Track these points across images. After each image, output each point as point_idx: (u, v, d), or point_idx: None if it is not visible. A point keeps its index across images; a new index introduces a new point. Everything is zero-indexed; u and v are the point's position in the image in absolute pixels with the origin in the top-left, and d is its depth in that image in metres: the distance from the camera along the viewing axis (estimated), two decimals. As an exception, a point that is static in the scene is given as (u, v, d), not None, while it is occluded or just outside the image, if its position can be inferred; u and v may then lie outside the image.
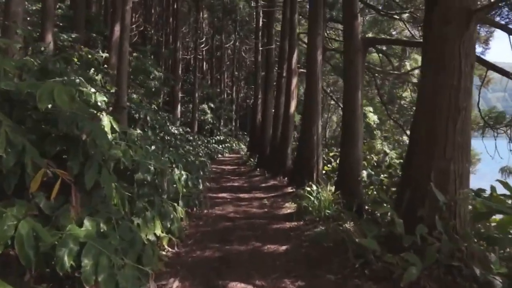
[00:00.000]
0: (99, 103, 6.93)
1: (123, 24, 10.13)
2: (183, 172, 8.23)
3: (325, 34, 11.77)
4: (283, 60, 14.35)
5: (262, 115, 17.65)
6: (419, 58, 13.07)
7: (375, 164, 9.28)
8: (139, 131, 11.17)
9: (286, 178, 12.79)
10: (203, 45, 36.57)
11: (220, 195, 10.28)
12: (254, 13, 23.26)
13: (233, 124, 41.83)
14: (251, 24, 31.74)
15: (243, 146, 35.71)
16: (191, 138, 23.94)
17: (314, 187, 8.18)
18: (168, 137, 14.88)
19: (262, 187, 11.69)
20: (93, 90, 7.01)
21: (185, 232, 5.96)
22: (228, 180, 13.67)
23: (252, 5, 23.59)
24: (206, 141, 30.39)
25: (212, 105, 35.27)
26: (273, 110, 15.57)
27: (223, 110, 37.92)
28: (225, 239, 5.68)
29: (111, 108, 9.65)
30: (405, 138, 14.09)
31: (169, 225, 5.47)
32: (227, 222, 6.87)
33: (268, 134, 16.44)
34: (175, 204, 5.99)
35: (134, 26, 29.08)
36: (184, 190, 7.07)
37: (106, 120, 5.73)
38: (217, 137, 33.65)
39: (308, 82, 10.10)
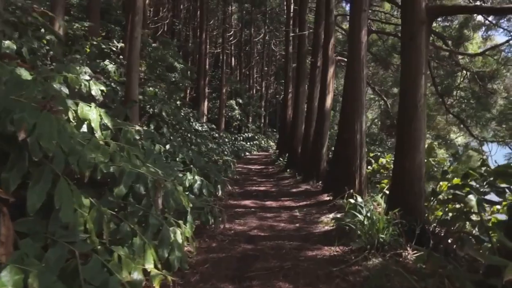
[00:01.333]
0: (93, 93, 5.53)
1: (134, 7, 8.72)
2: (196, 177, 6.78)
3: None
4: (318, 48, 12.65)
5: (293, 110, 16.00)
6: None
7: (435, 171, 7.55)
8: (150, 127, 9.81)
9: (320, 182, 11.13)
10: (231, 39, 35.20)
11: (243, 202, 8.76)
12: (285, 0, 21.55)
13: (262, 120, 40.32)
14: (281, 15, 30.10)
15: (272, 144, 34.16)
16: (216, 135, 22.67)
17: (359, 199, 6.51)
18: (189, 135, 13.52)
19: (292, 193, 10.08)
20: (87, 77, 5.66)
21: (190, 260, 4.47)
22: (253, 183, 12.15)
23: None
24: (233, 138, 29.13)
25: (240, 101, 33.91)
26: (306, 105, 13.91)
27: (251, 106, 36.48)
28: (242, 274, 4.14)
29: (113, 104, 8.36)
30: (461, 138, 12.16)
31: (167, 255, 4.01)
32: (248, 245, 5.32)
33: (299, 131, 14.78)
34: (180, 222, 4.52)
35: (158, 19, 28.10)
36: (193, 202, 5.60)
37: (94, 114, 4.38)
38: (245, 134, 32.29)
39: (350, 69, 8.40)
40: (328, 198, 8.77)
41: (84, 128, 4.29)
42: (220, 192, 7.89)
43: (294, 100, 16.14)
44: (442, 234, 4.85)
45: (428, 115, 13.81)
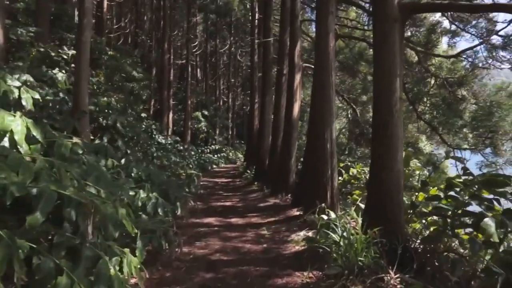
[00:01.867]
0: (24, 102, 4.71)
1: (82, 8, 7.89)
2: (151, 195, 6.02)
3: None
4: (284, 55, 12.18)
5: (260, 120, 15.44)
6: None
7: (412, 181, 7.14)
8: (104, 140, 8.90)
9: (289, 195, 10.53)
10: (196, 49, 34.50)
11: (206, 220, 8.01)
12: (249, 7, 21.11)
13: (230, 132, 39.61)
14: (247, 25, 29.79)
15: (240, 156, 33.47)
16: (181, 148, 21.77)
17: (333, 215, 5.94)
18: (150, 148, 12.64)
19: (260, 208, 9.42)
20: (17, 83, 4.85)
21: (136, 298, 3.70)
22: (219, 198, 11.40)
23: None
24: (199, 151, 28.28)
25: (206, 113, 33.11)
26: (272, 115, 13.38)
27: (218, 118, 35.74)
28: (199, 314, 3.42)
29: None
30: (428, 146, 11.96)
31: (102, 298, 3.24)
32: (208, 273, 4.59)
33: (266, 142, 14.21)
34: (126, 251, 3.77)
35: (119, 29, 27.06)
36: (144, 224, 4.86)
37: (19, 125, 3.60)
38: (212, 146, 31.46)
39: (318, 75, 7.89)
40: (298, 213, 8.16)
41: (6, 142, 3.54)
42: (179, 211, 7.10)
43: (260, 110, 15.60)
44: (428, 254, 4.31)
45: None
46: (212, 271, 4.66)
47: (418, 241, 4.77)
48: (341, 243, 4.21)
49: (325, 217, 5.96)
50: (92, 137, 9.02)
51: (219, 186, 14.74)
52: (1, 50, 8.55)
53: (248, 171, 16.42)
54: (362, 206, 7.77)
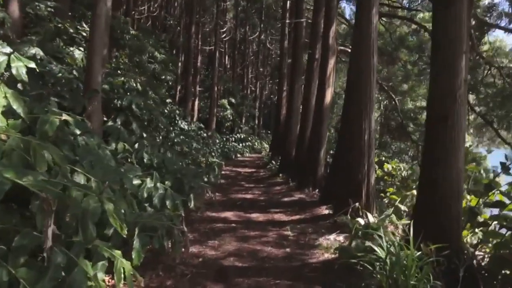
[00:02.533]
0: (14, 71, 4.53)
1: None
2: (159, 185, 5.27)
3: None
4: (317, 38, 11.14)
5: (287, 109, 14.47)
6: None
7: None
8: (117, 123, 8.21)
9: (317, 191, 9.62)
10: (224, 35, 33.63)
11: (223, 214, 7.22)
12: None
13: (256, 121, 38.74)
14: (277, 11, 28.63)
15: (266, 146, 32.60)
16: (205, 135, 21.12)
17: (371, 218, 5.02)
18: (169, 133, 11.96)
19: (284, 203, 8.55)
20: (7, 50, 4.17)
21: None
22: (240, 189, 10.60)
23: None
24: (224, 139, 27.62)
25: (233, 101, 32.35)
26: (302, 104, 12.40)
27: (245, 106, 34.91)
28: None
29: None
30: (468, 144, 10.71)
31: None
32: (216, 284, 3.78)
33: (294, 132, 13.26)
34: (117, 253, 3.03)
35: (146, 11, 26.48)
36: (146, 220, 4.10)
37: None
38: (238, 135, 30.71)
39: (357, 56, 6.88)
40: (327, 212, 7.24)
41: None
42: (192, 203, 6.32)
43: (288, 98, 14.62)
44: (499, 277, 3.34)
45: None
46: (222, 281, 3.84)
47: (481, 258, 3.80)
48: (387, 260, 3.29)
49: (361, 221, 5.05)
50: (105, 119, 8.38)
51: (241, 176, 13.95)
52: (15, 23, 7.98)
53: (273, 162, 15.54)
54: (402, 208, 6.80)
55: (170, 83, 25.34)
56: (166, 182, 6.16)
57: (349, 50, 11.03)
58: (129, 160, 6.49)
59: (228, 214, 7.26)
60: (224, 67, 39.98)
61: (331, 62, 9.72)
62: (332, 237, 5.64)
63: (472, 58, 8.49)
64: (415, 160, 11.82)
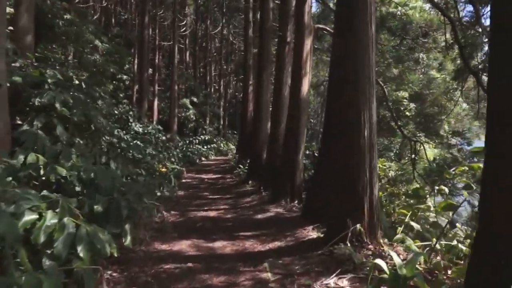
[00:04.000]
0: None
1: None
2: (66, 220, 3.32)
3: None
4: (287, 16, 9.37)
5: (255, 104, 12.59)
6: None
7: None
8: (35, 126, 6.04)
9: (296, 202, 7.83)
10: (184, 29, 31.38)
11: (177, 246, 5.26)
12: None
13: (221, 121, 36.67)
14: (240, 2, 26.73)
15: (232, 147, 30.66)
16: (163, 138, 18.95)
17: (396, 258, 3.25)
18: (112, 138, 9.81)
19: (257, 222, 6.68)
20: None
21: None
22: (202, 203, 8.65)
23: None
24: (187, 141, 25.51)
25: (195, 100, 30.17)
26: (272, 96, 10.60)
27: (208, 106, 32.80)
28: None
29: None
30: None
31: None
32: None
33: (263, 130, 11.43)
34: None
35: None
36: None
37: None
38: (202, 136, 28.58)
39: (348, 24, 5.09)
40: (315, 235, 5.44)
41: None
42: (128, 240, 4.35)
43: (255, 91, 12.75)
44: None
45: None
46: None
47: None
48: None
49: (381, 263, 3.25)
50: (19, 122, 6.29)
51: (205, 184, 11.98)
52: None
53: (241, 166, 13.65)
54: (415, 226, 5.10)
55: (127, 83, 23.06)
56: (96, 207, 4.24)
57: (329, 29, 9.34)
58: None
59: (184, 245, 5.31)
60: (185, 64, 37.63)
61: (308, 43, 7.95)
62: (332, 281, 3.83)
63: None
64: (401, 159, 10.27)
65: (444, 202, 4.62)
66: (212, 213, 7.50)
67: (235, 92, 45.06)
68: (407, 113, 9.48)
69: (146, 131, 16.95)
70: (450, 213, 4.54)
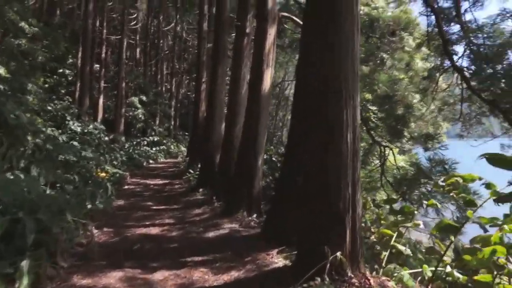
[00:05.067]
0: None
1: None
2: None
3: None
4: (247, 4, 8.33)
5: (209, 102, 11.37)
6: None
7: None
8: None
9: (255, 216, 6.77)
10: (134, 22, 29.49)
11: (104, 280, 3.98)
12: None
13: (172, 122, 34.92)
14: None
15: (183, 149, 29.12)
16: (106, 138, 17.23)
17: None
18: (34, 139, 8.24)
19: (209, 243, 5.51)
20: None
21: None
22: (144, 216, 7.34)
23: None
24: (134, 142, 23.78)
25: (144, 99, 28.34)
26: (228, 93, 9.49)
27: (159, 105, 31.06)
28: None
29: None
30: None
31: None
32: None
33: (217, 131, 10.28)
34: None
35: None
36: None
37: None
38: (151, 137, 26.83)
39: (330, 7, 4.09)
40: (281, 263, 4.39)
41: None
42: (25, 283, 3.05)
43: (209, 88, 11.54)
44: None
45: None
46: None
47: None
48: None
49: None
50: None
51: (150, 192, 10.60)
52: None
53: (191, 171, 12.38)
54: (404, 250, 4.21)
55: (70, 78, 20.91)
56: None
57: (296, 18, 8.38)
58: None
59: (114, 279, 4.05)
60: (136, 61, 35.52)
61: (271, 32, 6.94)
62: None
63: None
64: (367, 165, 9.54)
65: (442, 222, 3.74)
66: (154, 230, 6.23)
67: (187, 92, 43.36)
68: (372, 115, 8.75)
69: (86, 131, 15.22)
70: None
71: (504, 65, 6.46)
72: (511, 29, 6.96)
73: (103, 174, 10.88)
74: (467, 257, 3.44)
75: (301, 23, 7.00)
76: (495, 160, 3.07)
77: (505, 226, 3.55)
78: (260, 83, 6.86)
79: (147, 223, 6.71)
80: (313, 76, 4.07)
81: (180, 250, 5.11)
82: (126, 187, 11.29)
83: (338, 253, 3.64)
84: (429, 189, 7.11)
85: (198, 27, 15.74)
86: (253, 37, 8.16)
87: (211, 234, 5.87)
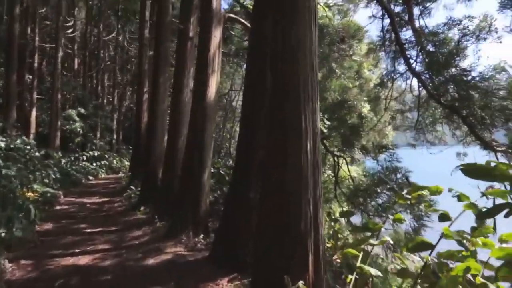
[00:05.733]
0: None
1: None
2: None
3: None
4: (190, 7, 7.73)
5: (150, 113, 10.50)
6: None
7: None
8: None
9: (202, 236, 6.09)
10: (71, 30, 27.74)
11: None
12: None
13: (114, 135, 33.12)
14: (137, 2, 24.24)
15: (127, 163, 27.55)
16: (37, 154, 15.64)
17: None
18: None
19: (149, 272, 4.75)
20: None
21: None
22: (75, 242, 6.37)
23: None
24: (72, 158, 22.03)
25: (83, 111, 26.52)
26: (171, 103, 8.76)
27: (99, 118, 29.32)
28: None
29: None
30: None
31: None
32: None
33: (159, 144, 9.47)
34: None
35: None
36: None
37: None
38: (91, 152, 25.07)
39: (285, 11, 3.60)
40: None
41: None
42: None
43: (151, 98, 10.70)
44: None
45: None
46: None
47: None
48: None
49: None
50: None
51: (85, 212, 9.51)
52: None
53: (133, 187, 11.39)
54: (373, 272, 3.74)
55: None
56: None
57: (243, 20, 7.89)
58: None
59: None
60: (74, 72, 33.40)
61: (216, 34, 6.38)
62: None
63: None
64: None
65: (416, 240, 3.32)
66: (84, 259, 5.33)
67: (131, 104, 41.57)
68: (325, 123, 8.44)
69: (12, 146, 13.67)
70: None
71: (454, 72, 6.40)
72: (457, 37, 6.99)
73: (30, 194, 9.72)
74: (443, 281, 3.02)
75: (249, 25, 6.54)
76: (471, 171, 2.71)
77: (478, 240, 3.21)
78: (204, 90, 6.25)
79: (77, 250, 5.78)
80: (265, 78, 3.54)
81: (113, 284, 4.31)
82: (58, 207, 10.11)
83: (300, 283, 3.09)
84: (385, 199, 6.86)
85: (139, 33, 14.84)
86: (197, 43, 7.56)
87: (151, 261, 5.10)
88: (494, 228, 3.42)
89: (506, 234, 3.42)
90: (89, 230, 7.32)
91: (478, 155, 6.48)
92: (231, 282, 4.00)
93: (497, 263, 3.30)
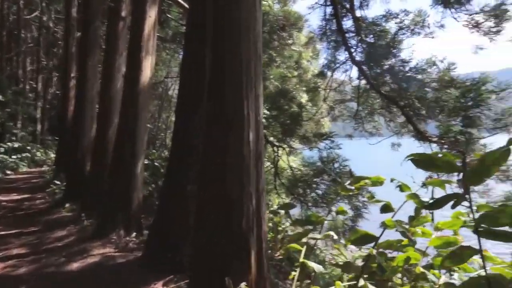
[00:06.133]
0: None
1: None
2: None
3: None
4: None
5: (77, 100, 9.57)
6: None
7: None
8: None
9: (134, 234, 5.61)
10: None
11: None
12: None
13: (38, 125, 30.56)
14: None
15: (52, 156, 25.54)
16: None
17: None
18: None
19: (72, 279, 4.21)
20: None
21: None
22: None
23: None
24: (-14, 149, 19.97)
25: (0, 98, 24.07)
26: (101, 89, 8.02)
27: (20, 106, 26.82)
28: None
29: None
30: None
31: None
32: None
33: (87, 133, 8.68)
34: None
35: None
36: None
37: None
38: (10, 143, 22.85)
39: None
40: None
41: None
42: None
43: (79, 84, 9.77)
44: None
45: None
46: None
47: None
48: None
49: None
50: None
51: (2, 209, 8.50)
52: None
53: (58, 182, 10.42)
54: (316, 267, 3.58)
55: None
56: None
57: (180, 1, 7.38)
58: None
59: None
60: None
61: (151, 14, 5.85)
62: None
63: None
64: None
65: (358, 232, 3.20)
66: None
67: (57, 91, 38.63)
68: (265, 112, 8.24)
69: None
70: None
71: (390, 64, 6.50)
72: (394, 30, 7.11)
73: None
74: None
75: (188, 7, 6.10)
76: (421, 162, 2.62)
77: (418, 230, 3.17)
78: (138, 74, 5.71)
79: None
80: (204, 61, 3.19)
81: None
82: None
83: (243, 285, 2.83)
84: (324, 190, 6.84)
85: (66, 13, 13.58)
86: (130, 24, 6.95)
87: (75, 266, 4.54)
88: (432, 217, 3.41)
89: (441, 222, 3.42)
90: (2, 232, 6.48)
91: (412, 146, 6.71)
92: (166, 286, 3.63)
93: (434, 252, 3.28)
